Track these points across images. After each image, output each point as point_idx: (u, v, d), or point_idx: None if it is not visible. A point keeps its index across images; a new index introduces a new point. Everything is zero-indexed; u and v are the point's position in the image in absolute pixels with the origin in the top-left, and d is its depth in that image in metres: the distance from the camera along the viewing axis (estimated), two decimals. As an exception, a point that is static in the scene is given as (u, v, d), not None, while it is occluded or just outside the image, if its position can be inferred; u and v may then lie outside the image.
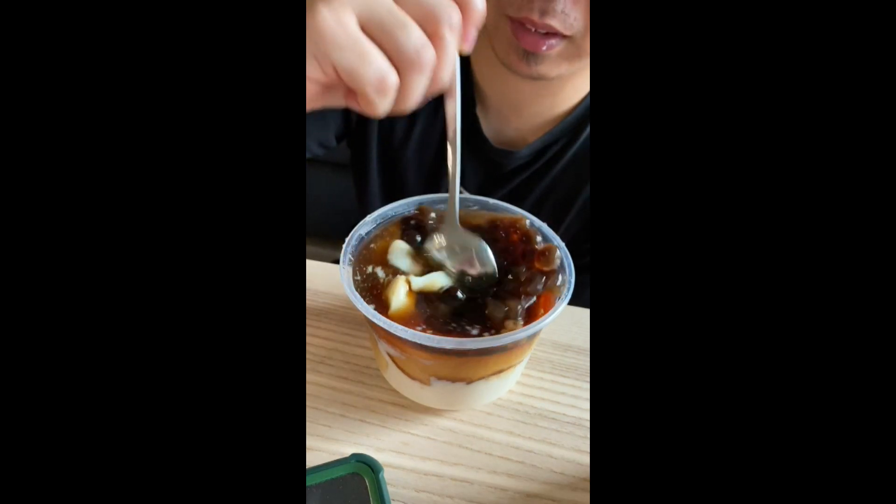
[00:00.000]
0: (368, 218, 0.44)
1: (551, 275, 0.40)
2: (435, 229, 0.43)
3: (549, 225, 0.45)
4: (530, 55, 0.53)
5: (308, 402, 0.42)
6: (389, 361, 0.41)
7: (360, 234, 0.43)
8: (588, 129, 0.66)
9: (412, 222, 0.44)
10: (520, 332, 0.36)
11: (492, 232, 0.45)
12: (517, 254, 0.43)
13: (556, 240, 0.43)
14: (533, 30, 0.51)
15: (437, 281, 0.40)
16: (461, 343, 0.35)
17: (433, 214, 0.45)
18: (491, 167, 0.69)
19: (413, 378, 0.40)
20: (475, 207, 0.47)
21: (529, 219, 0.45)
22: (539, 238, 0.44)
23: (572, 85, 0.63)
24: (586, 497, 0.38)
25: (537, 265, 0.42)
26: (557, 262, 0.42)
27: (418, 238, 0.43)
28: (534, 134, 0.67)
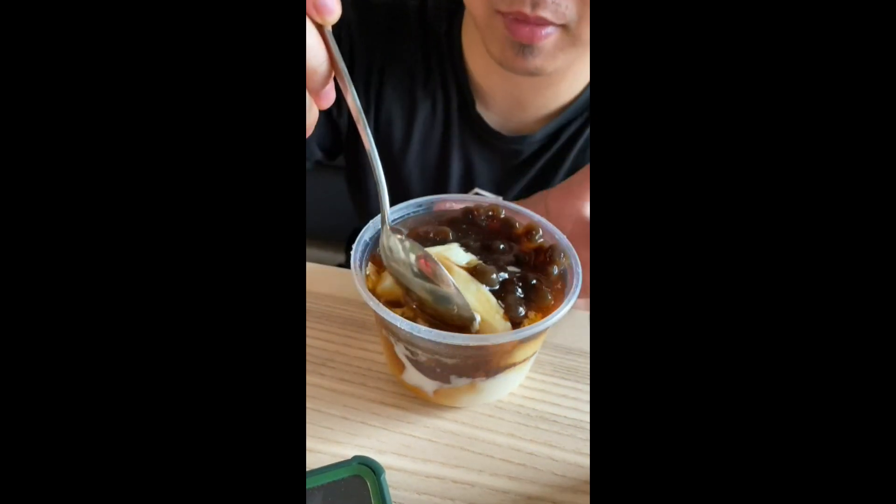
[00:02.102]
0: (371, 223, 0.44)
1: (549, 251, 0.41)
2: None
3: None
4: (526, 48, 0.53)
5: (310, 405, 0.42)
6: (407, 363, 0.41)
7: (366, 240, 0.43)
8: None
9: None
10: (551, 318, 0.36)
11: (465, 218, 0.45)
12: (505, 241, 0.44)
13: (547, 225, 0.44)
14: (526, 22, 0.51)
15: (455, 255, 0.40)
16: (486, 340, 0.35)
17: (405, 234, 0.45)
18: (506, 158, 0.68)
19: (434, 378, 0.40)
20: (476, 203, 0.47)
21: (503, 206, 0.46)
22: (517, 221, 0.45)
23: (573, 73, 0.63)
24: (588, 499, 0.38)
25: (526, 244, 0.43)
26: (539, 237, 0.43)
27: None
28: (541, 123, 0.67)
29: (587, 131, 0.66)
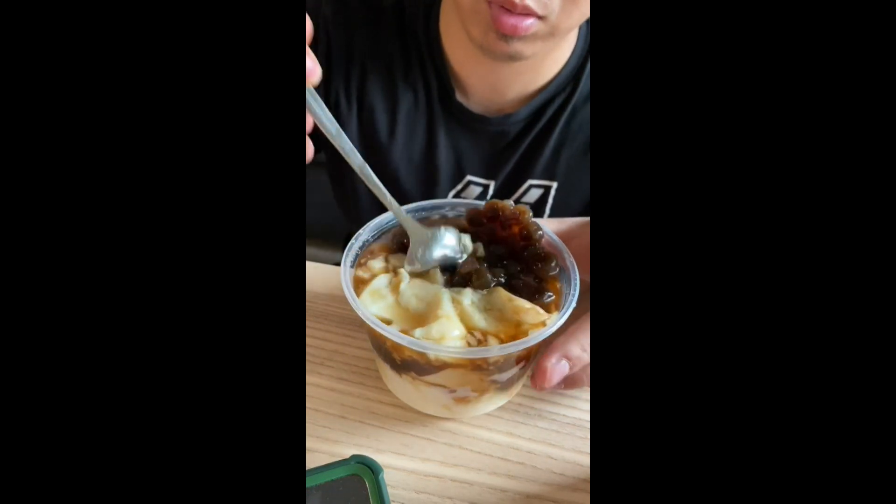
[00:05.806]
0: (370, 224, 0.43)
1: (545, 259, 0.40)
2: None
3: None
4: (508, 36, 0.55)
5: (308, 404, 0.42)
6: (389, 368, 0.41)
7: (364, 241, 0.42)
8: (586, 75, 0.66)
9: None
10: (531, 339, 0.35)
11: (491, 218, 0.44)
12: (518, 248, 0.42)
13: (559, 242, 0.42)
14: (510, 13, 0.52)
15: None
16: (471, 353, 0.35)
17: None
18: (493, 140, 0.69)
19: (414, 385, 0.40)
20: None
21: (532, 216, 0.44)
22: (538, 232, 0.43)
23: (551, 59, 0.65)
24: (587, 498, 0.38)
25: (522, 242, 0.41)
26: (540, 236, 0.41)
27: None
28: (523, 103, 0.68)
29: (570, 105, 0.67)
